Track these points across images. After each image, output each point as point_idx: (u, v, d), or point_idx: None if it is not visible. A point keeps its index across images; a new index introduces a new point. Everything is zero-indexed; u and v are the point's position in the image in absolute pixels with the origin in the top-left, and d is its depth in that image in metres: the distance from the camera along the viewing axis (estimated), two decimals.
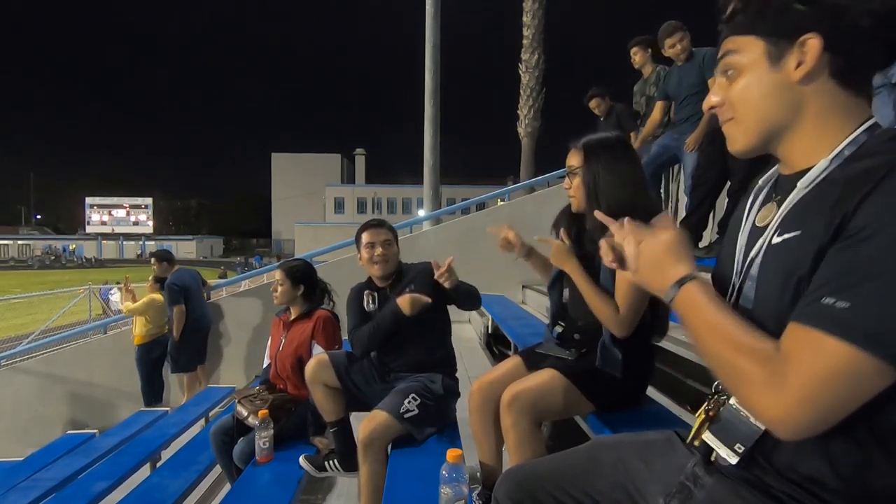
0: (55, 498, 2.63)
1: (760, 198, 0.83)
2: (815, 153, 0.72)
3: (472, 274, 5.40)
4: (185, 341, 4.91)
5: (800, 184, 0.72)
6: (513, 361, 1.81)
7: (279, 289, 2.53)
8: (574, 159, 1.63)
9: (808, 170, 0.72)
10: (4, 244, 58.72)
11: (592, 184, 1.56)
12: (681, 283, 0.76)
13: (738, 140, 0.79)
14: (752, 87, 0.74)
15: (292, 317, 2.58)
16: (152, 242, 61.41)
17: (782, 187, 0.78)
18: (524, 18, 10.42)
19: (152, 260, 5.32)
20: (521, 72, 10.63)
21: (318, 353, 2.25)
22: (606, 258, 0.92)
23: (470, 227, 5.48)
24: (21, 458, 3.51)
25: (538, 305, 4.39)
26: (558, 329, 1.78)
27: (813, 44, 0.69)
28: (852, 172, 0.66)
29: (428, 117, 6.83)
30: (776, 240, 0.73)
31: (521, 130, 10.74)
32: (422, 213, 6.96)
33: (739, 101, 0.76)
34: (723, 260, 0.88)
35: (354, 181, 52.40)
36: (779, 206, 0.76)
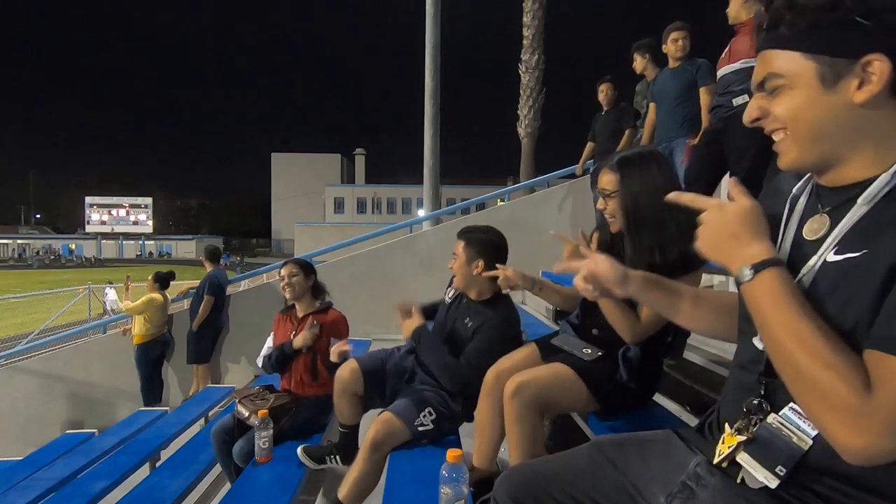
0: (54, 497, 2.62)
1: (799, 208, 0.78)
2: (870, 167, 0.68)
3: None
4: (201, 334, 5.11)
5: (860, 199, 0.68)
6: (529, 349, 1.81)
7: (294, 280, 2.54)
8: (608, 182, 1.55)
9: (861, 183, 0.69)
10: (4, 243, 58.66)
11: (632, 205, 1.49)
12: (759, 266, 0.69)
13: (792, 156, 0.73)
14: (804, 108, 0.69)
15: (302, 313, 2.58)
16: (152, 242, 61.47)
17: (828, 199, 0.74)
18: (524, 18, 10.40)
19: (203, 255, 5.52)
20: (521, 72, 10.61)
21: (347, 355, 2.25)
22: (583, 291, 0.95)
23: None
24: (20, 458, 3.50)
25: (538, 305, 4.39)
26: (575, 321, 1.77)
27: (881, 66, 0.63)
28: None
29: (428, 117, 6.82)
30: (834, 258, 0.69)
31: (521, 130, 10.72)
32: (422, 213, 6.95)
33: (792, 121, 0.71)
34: None
35: (354, 181, 52.36)
36: (832, 220, 0.71)
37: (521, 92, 10.65)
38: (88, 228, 63.76)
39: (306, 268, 2.63)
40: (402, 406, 1.96)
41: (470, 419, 2.09)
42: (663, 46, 3.73)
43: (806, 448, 0.70)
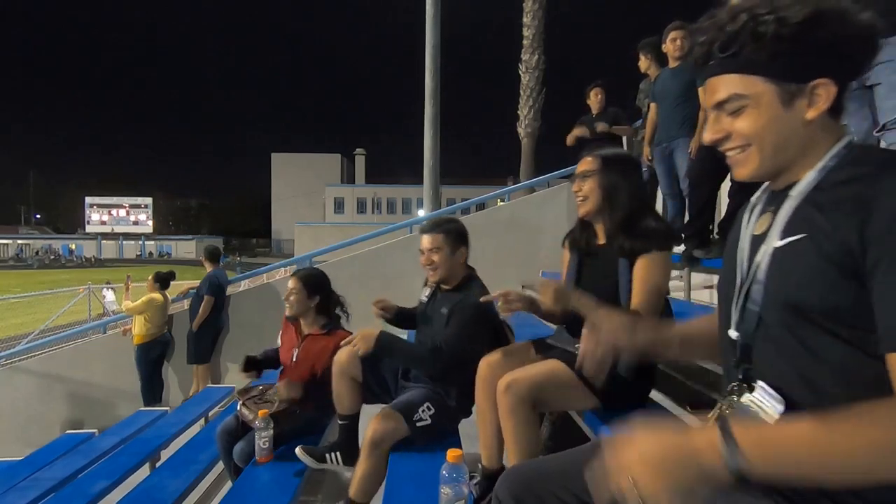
0: (54, 498, 2.62)
1: (756, 212, 0.88)
2: (804, 169, 0.79)
3: None
4: (201, 334, 5.12)
5: (792, 193, 0.78)
6: (524, 345, 1.82)
7: (292, 297, 2.43)
8: (588, 165, 1.67)
9: (796, 183, 0.79)
10: (4, 244, 58.69)
11: (609, 188, 1.62)
12: (732, 452, 0.62)
13: (753, 167, 0.81)
14: (769, 125, 0.77)
15: (306, 330, 2.51)
16: (152, 242, 61.50)
17: (774, 200, 0.83)
18: (524, 18, 10.40)
19: (203, 255, 5.52)
20: (521, 72, 10.61)
21: None
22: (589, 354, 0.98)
23: (470, 227, 5.49)
24: (20, 458, 3.50)
25: None
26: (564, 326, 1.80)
27: (828, 90, 0.73)
28: (844, 177, 0.73)
29: (428, 118, 6.82)
30: (779, 243, 0.77)
31: (521, 130, 10.72)
32: (422, 213, 6.95)
33: (757, 137, 0.78)
34: (726, 269, 0.91)
35: (354, 181, 52.40)
36: (773, 216, 0.81)
37: (521, 92, 10.65)
38: (88, 228, 63.79)
39: (311, 285, 2.46)
40: (399, 402, 1.98)
41: (467, 414, 2.10)
42: (663, 46, 3.73)
43: (772, 422, 0.74)
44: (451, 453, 1.39)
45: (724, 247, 0.95)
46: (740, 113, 0.78)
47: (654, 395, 1.99)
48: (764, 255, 0.79)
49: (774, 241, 0.78)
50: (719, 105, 0.80)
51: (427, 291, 2.21)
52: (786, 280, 0.75)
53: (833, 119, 0.77)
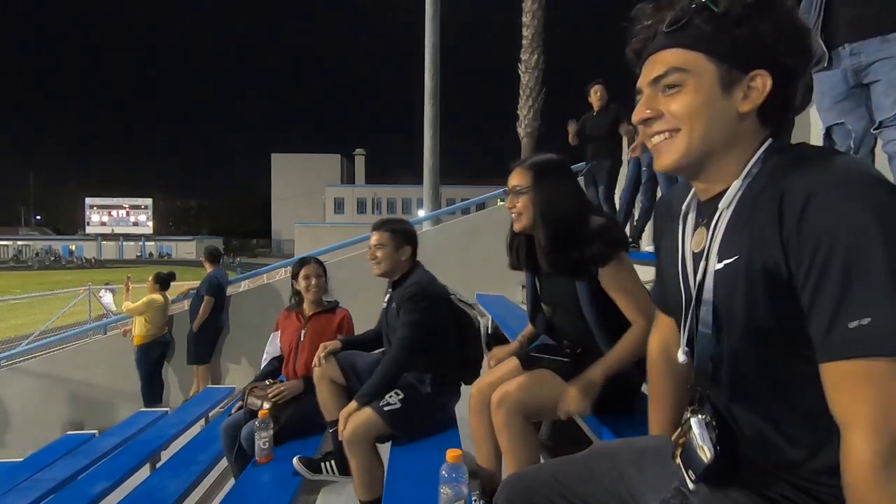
0: (55, 498, 2.63)
1: (689, 224, 0.83)
2: (728, 177, 0.75)
3: (471, 274, 5.33)
4: (201, 334, 5.12)
5: (720, 205, 0.74)
6: (511, 363, 1.81)
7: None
8: (520, 178, 1.60)
9: (723, 193, 0.75)
10: (4, 244, 58.72)
11: (544, 202, 1.55)
12: None
13: (677, 155, 0.75)
14: (703, 107, 0.72)
15: (309, 311, 2.61)
16: (152, 243, 61.51)
17: (705, 212, 0.80)
18: (524, 18, 10.41)
19: (203, 255, 5.53)
20: (520, 72, 10.61)
21: None
22: None
23: (470, 227, 5.47)
24: (21, 459, 3.51)
25: None
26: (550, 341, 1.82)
27: (763, 81, 0.70)
28: (759, 188, 0.70)
29: (428, 118, 6.82)
30: (718, 266, 0.73)
31: (521, 130, 10.72)
32: (422, 213, 6.95)
33: (688, 118, 0.73)
34: (668, 287, 0.88)
35: (354, 181, 52.41)
36: (707, 230, 0.77)
37: (521, 92, 10.65)
38: (88, 229, 63.71)
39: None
40: (364, 395, 1.98)
41: (448, 399, 2.15)
42: None
43: (707, 460, 0.74)
44: (451, 453, 1.39)
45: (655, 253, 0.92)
46: (677, 92, 0.73)
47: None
48: (708, 276, 0.75)
49: (714, 264, 0.74)
50: (657, 80, 0.75)
51: (386, 297, 2.26)
52: (731, 303, 0.72)
53: (761, 124, 0.74)
